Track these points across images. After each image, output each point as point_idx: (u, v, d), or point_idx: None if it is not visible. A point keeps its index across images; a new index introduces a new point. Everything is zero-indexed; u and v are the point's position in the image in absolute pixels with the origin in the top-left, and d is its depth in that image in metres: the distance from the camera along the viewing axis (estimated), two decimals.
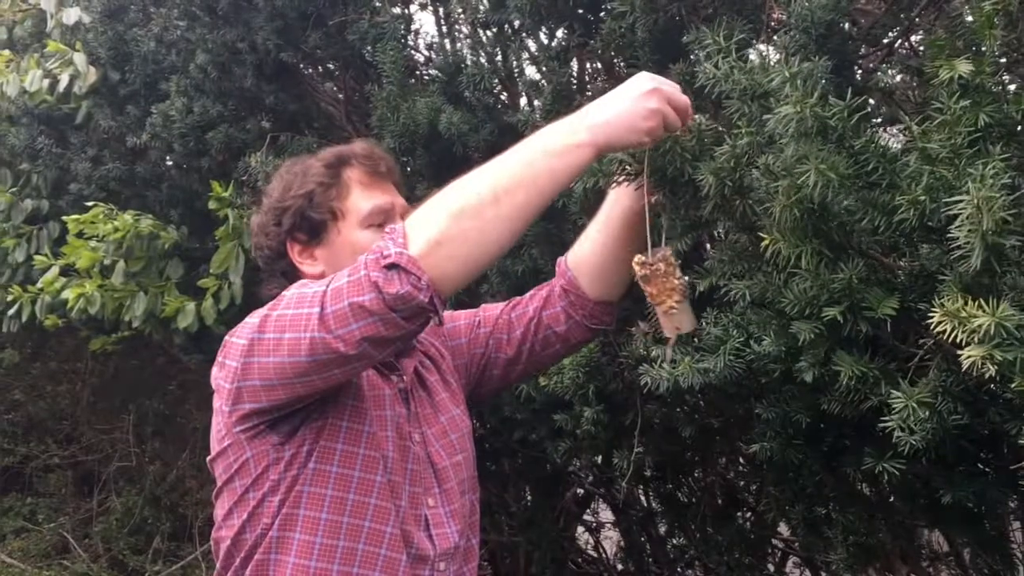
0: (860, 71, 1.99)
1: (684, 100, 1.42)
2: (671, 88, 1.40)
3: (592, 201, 1.70)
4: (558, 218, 2.22)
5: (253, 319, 1.40)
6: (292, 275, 1.54)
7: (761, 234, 1.44)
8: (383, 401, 1.49)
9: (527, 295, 1.74)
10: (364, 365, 1.39)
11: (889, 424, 1.32)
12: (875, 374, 1.41)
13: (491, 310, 1.75)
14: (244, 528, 1.45)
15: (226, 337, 1.45)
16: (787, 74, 1.36)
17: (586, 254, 1.68)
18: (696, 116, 1.50)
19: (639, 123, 1.36)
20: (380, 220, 1.53)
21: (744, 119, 1.45)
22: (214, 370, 1.47)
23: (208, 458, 1.52)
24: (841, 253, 1.39)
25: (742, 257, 1.61)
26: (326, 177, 1.54)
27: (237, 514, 1.45)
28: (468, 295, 2.40)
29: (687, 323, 1.58)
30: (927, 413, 1.30)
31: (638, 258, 1.54)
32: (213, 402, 1.50)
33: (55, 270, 3.21)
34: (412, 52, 2.78)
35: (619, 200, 1.62)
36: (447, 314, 1.70)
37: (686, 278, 1.57)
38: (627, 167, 1.54)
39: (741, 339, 1.59)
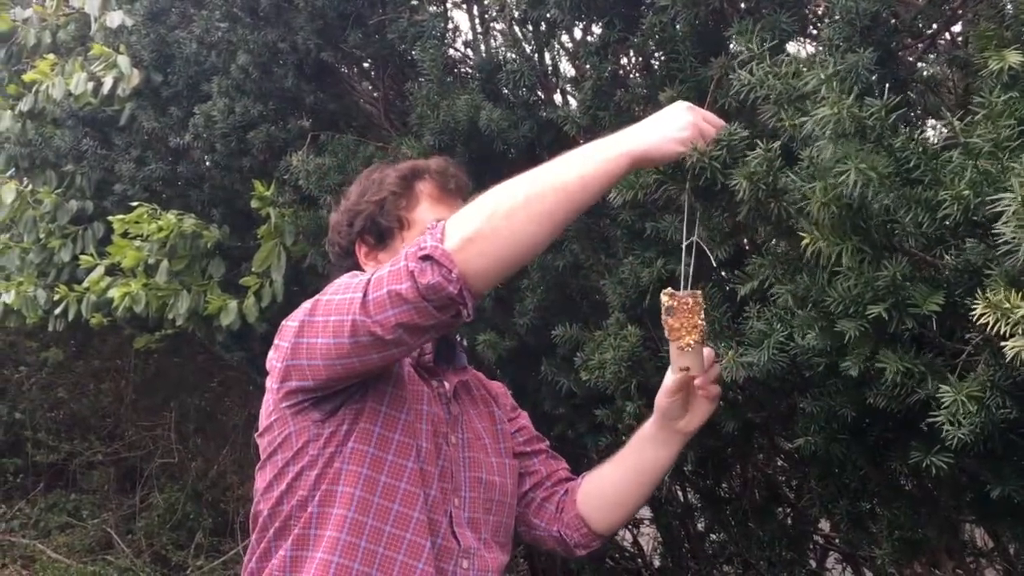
0: (903, 64, 1.98)
1: (718, 120, 1.50)
2: (705, 112, 1.50)
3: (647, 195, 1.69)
4: (599, 213, 2.23)
5: (307, 304, 1.48)
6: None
7: (801, 232, 1.44)
8: (422, 396, 1.55)
9: (554, 492, 1.78)
10: (401, 352, 1.44)
11: (938, 419, 1.32)
12: (921, 370, 1.41)
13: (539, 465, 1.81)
14: (282, 499, 1.50)
15: (283, 321, 1.53)
16: (822, 76, 1.36)
17: (600, 490, 1.75)
18: (724, 125, 1.53)
19: (674, 133, 1.43)
20: None
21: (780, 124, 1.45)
22: (270, 352, 1.55)
23: (256, 433, 1.59)
24: (883, 251, 1.39)
25: (782, 261, 1.62)
26: (399, 187, 1.62)
27: (276, 486, 1.52)
28: (507, 289, 2.42)
29: (697, 366, 1.59)
30: (976, 407, 1.30)
31: (668, 290, 1.57)
32: (266, 382, 1.57)
33: (100, 269, 3.27)
34: (450, 50, 2.79)
35: (642, 449, 1.72)
36: (520, 412, 1.83)
37: (705, 324, 1.60)
38: (668, 185, 1.57)
39: (785, 333, 1.59)
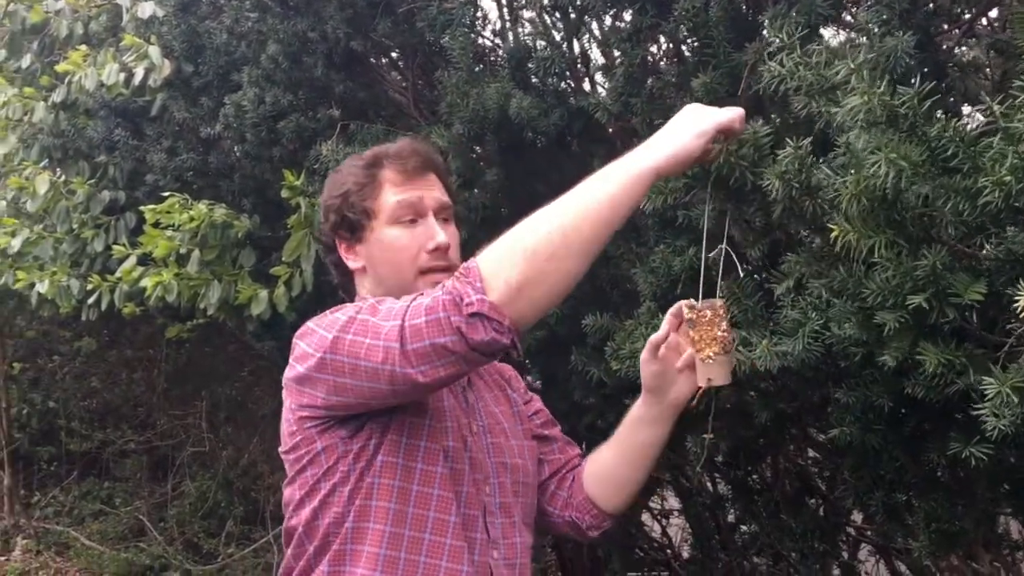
0: (941, 49, 1.95)
1: (737, 110, 1.44)
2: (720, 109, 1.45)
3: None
4: None
5: (321, 330, 1.44)
6: (342, 267, 1.64)
7: (831, 225, 1.42)
8: (440, 394, 1.53)
9: (566, 478, 1.76)
10: (439, 388, 1.46)
11: (982, 411, 1.29)
12: (962, 362, 1.38)
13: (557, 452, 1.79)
14: (317, 515, 1.49)
15: (295, 339, 1.49)
16: (852, 65, 1.34)
17: (602, 472, 1.74)
18: (748, 123, 1.51)
19: (694, 129, 1.39)
20: (409, 215, 1.56)
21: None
22: (287, 371, 1.52)
23: (280, 449, 1.57)
24: (919, 243, 1.37)
25: (818, 257, 1.60)
26: (362, 177, 1.58)
27: (308, 502, 1.50)
28: None
29: (721, 377, 1.58)
30: (1019, 398, 1.27)
31: (688, 302, 1.57)
32: (284, 398, 1.55)
33: (133, 259, 3.29)
34: (480, 38, 2.78)
35: (636, 431, 1.70)
36: (533, 395, 1.82)
37: (733, 333, 1.58)
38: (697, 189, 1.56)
39: (820, 322, 1.57)
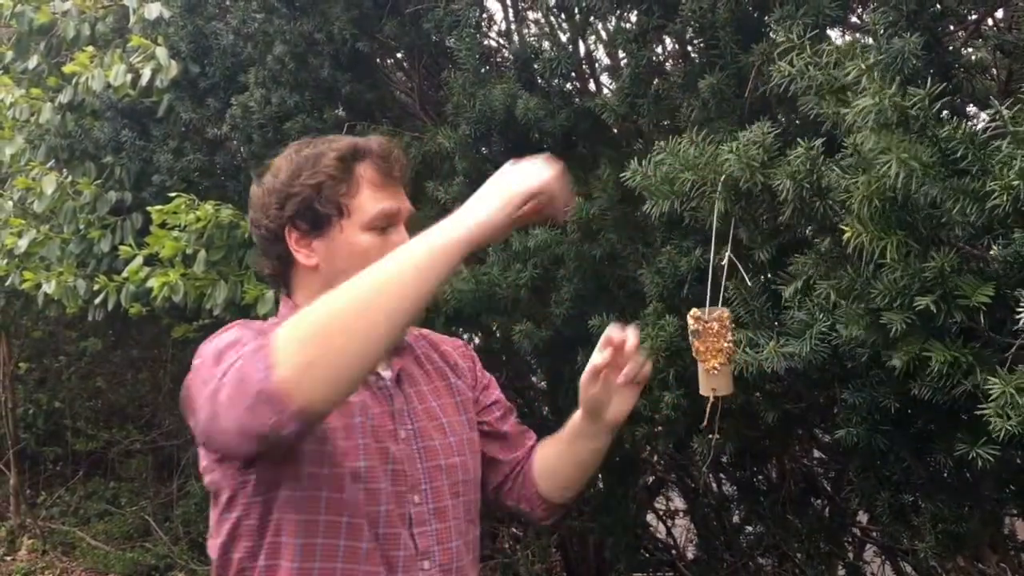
0: (948, 50, 1.95)
1: (552, 169, 1.34)
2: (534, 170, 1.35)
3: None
4: (636, 200, 2.22)
5: (210, 373, 1.28)
6: (287, 260, 1.49)
7: (843, 227, 1.42)
8: (351, 409, 1.43)
9: (520, 472, 1.71)
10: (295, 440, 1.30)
11: (986, 411, 1.30)
12: (968, 360, 1.39)
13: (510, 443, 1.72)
14: (227, 550, 1.44)
15: (195, 360, 1.38)
16: (863, 66, 1.34)
17: (548, 471, 1.69)
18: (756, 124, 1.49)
19: (502, 203, 1.30)
20: (384, 224, 1.47)
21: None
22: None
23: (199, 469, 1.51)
24: (929, 244, 1.37)
25: (825, 257, 1.60)
26: (337, 171, 1.46)
27: (217, 534, 1.45)
28: (543, 279, 2.41)
29: (724, 387, 1.59)
30: None
31: (694, 312, 1.58)
32: None
33: (139, 259, 3.29)
34: (486, 39, 2.79)
35: (575, 441, 1.64)
36: (489, 379, 1.73)
37: (735, 342, 1.58)
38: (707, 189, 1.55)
39: (827, 323, 1.57)
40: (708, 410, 1.61)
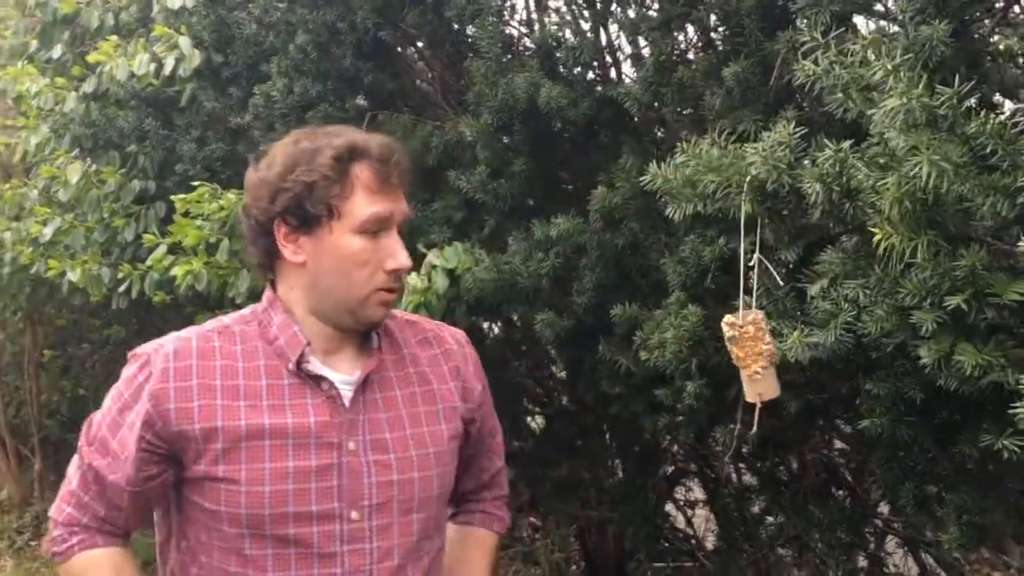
0: (975, 38, 1.93)
1: None
2: None
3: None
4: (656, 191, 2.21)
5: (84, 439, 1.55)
6: (273, 253, 1.47)
7: (873, 229, 1.41)
8: (283, 425, 1.41)
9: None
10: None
11: (1019, 410, 1.29)
12: (1001, 364, 1.37)
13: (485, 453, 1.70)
14: (164, 548, 1.56)
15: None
16: (889, 66, 1.33)
17: None
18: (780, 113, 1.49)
19: None
20: (375, 228, 1.43)
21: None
22: None
23: None
24: (957, 242, 1.36)
25: (853, 256, 1.59)
26: (332, 171, 1.41)
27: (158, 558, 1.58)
28: (565, 268, 2.41)
29: (770, 390, 1.58)
30: None
31: (728, 318, 1.56)
32: None
33: (163, 248, 3.31)
34: (508, 28, 2.78)
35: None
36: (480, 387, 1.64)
37: (775, 344, 1.57)
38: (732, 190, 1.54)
39: (853, 313, 1.57)
40: (756, 416, 1.60)
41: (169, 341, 1.47)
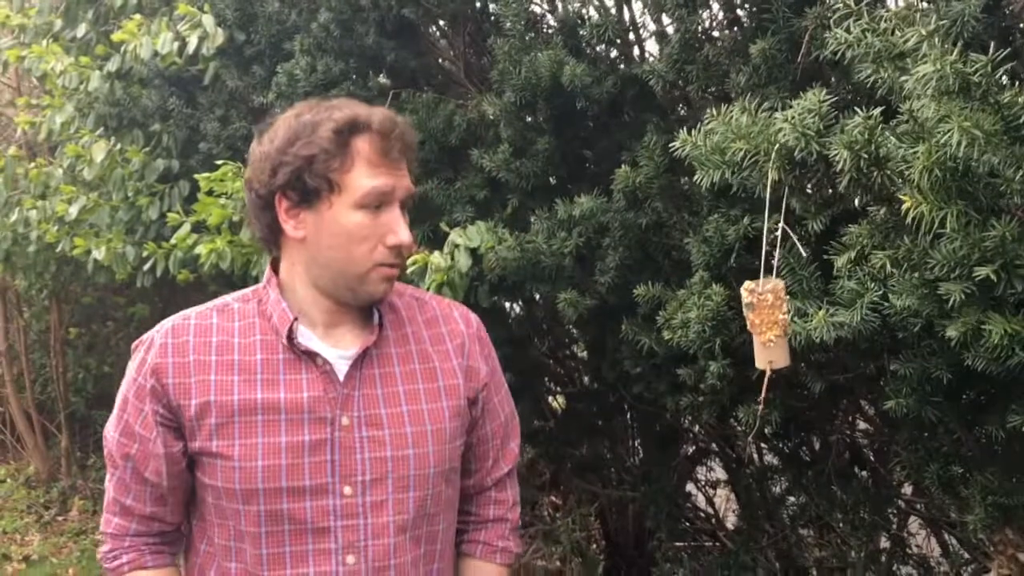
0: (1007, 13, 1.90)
1: None
2: None
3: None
4: (680, 170, 2.20)
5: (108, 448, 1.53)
6: (276, 229, 1.46)
7: (902, 196, 1.40)
8: (275, 399, 1.42)
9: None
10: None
11: None
12: None
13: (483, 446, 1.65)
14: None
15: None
16: (923, 32, 1.31)
17: None
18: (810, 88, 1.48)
19: None
20: (376, 202, 1.41)
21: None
22: None
23: None
24: (988, 213, 1.34)
25: (881, 228, 1.57)
26: (332, 144, 1.38)
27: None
28: (588, 248, 2.40)
29: (782, 359, 1.57)
30: None
31: (748, 284, 1.56)
32: None
33: (187, 226, 3.33)
34: (531, 5, 2.76)
35: None
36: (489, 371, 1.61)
37: (791, 315, 1.56)
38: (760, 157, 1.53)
39: (879, 292, 1.55)
40: (765, 383, 1.60)
41: (168, 320, 1.50)
